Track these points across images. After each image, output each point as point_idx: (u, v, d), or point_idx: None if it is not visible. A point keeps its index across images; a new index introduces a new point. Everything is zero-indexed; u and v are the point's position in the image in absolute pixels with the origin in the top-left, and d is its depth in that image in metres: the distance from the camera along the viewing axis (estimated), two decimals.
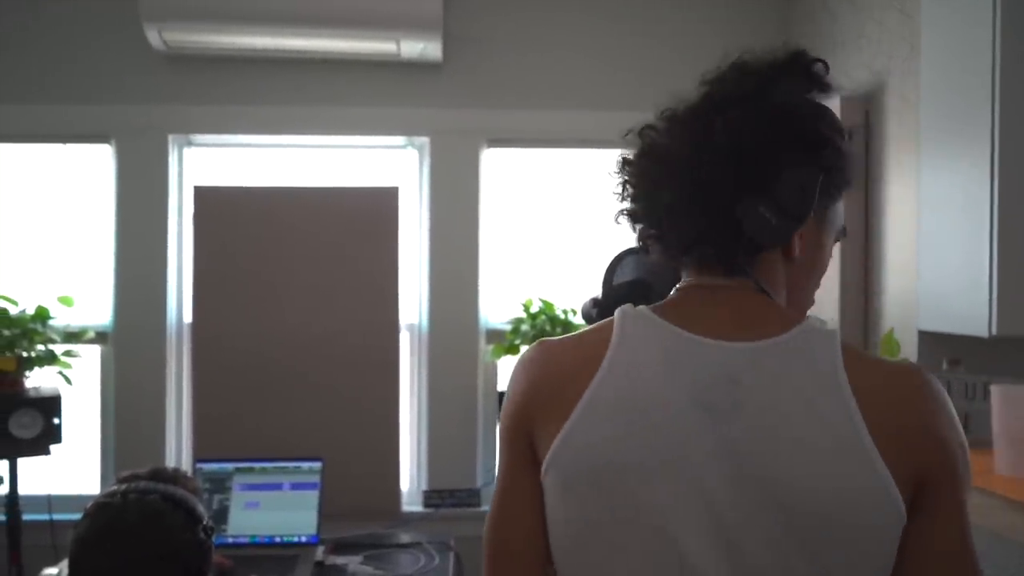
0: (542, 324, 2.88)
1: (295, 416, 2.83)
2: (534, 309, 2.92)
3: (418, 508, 2.97)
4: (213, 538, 1.43)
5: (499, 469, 0.93)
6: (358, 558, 2.25)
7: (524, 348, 2.83)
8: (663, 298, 1.58)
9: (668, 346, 0.86)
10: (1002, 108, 1.96)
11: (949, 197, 2.14)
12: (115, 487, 1.41)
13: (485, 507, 2.97)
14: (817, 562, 0.79)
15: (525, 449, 0.90)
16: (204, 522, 1.40)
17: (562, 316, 2.91)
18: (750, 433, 0.81)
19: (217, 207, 2.89)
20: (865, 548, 0.80)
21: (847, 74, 2.72)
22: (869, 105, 2.57)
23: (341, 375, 2.87)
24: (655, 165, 0.91)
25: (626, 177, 0.95)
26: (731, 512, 0.80)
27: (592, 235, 3.13)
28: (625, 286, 1.64)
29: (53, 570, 2.25)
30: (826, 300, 2.64)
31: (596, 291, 1.73)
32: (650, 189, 0.92)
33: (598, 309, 1.68)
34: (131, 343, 2.95)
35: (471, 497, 2.98)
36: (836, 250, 2.72)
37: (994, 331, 1.96)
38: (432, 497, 2.97)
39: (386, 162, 3.15)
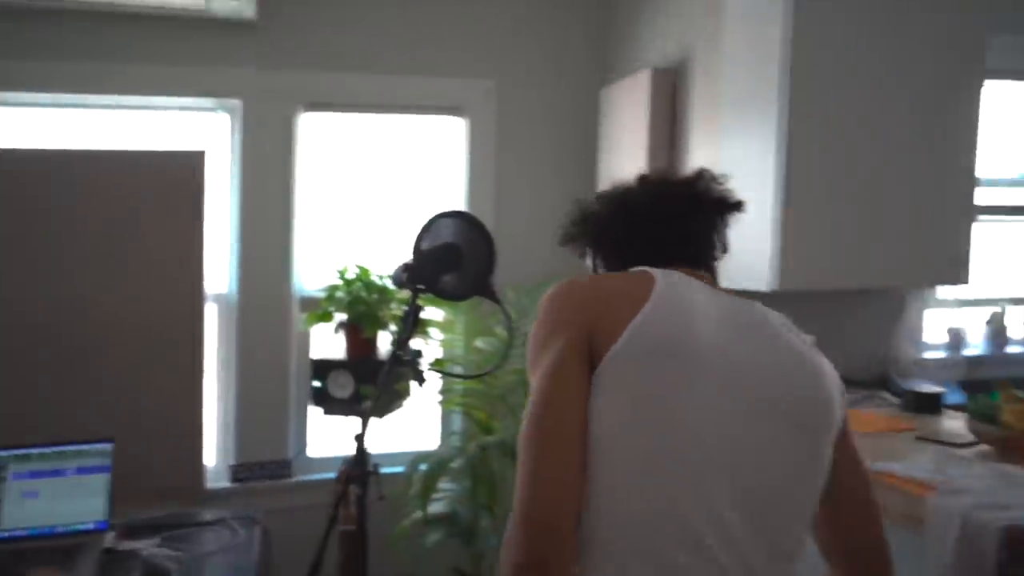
0: (358, 291, 2.80)
1: (83, 395, 2.60)
2: (350, 276, 2.84)
3: (226, 484, 2.85)
4: None
5: (549, 363, 1.09)
6: (154, 540, 2.10)
7: (339, 316, 2.80)
8: (474, 264, 1.60)
9: (695, 285, 1.18)
10: (792, 85, 2.11)
11: (744, 165, 2.29)
12: None
13: (297, 478, 2.92)
14: (803, 434, 1.14)
15: (581, 344, 1.09)
16: None
17: (379, 282, 2.84)
18: (760, 349, 1.15)
19: (7, 170, 2.57)
20: (827, 438, 1.16)
21: (657, 46, 2.83)
22: (676, 77, 2.68)
23: (138, 349, 2.66)
24: (658, 210, 1.30)
25: (628, 213, 1.30)
26: (751, 398, 1.11)
27: (408, 201, 3.08)
28: (438, 250, 1.63)
29: None
30: None
31: (408, 257, 1.69)
32: (641, 222, 1.29)
33: (408, 274, 1.65)
34: None
35: (282, 469, 2.90)
36: None
37: (775, 286, 2.13)
38: (240, 471, 2.85)
39: (196, 126, 2.93)
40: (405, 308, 1.66)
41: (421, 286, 1.64)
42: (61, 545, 2.03)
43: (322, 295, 2.82)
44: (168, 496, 2.52)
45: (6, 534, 2.03)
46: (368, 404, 2.57)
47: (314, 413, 2.87)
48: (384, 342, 2.83)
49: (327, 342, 2.90)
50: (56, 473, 2.12)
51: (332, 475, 2.75)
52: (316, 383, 2.71)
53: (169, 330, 2.69)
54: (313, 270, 3.02)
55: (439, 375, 2.79)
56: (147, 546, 2.03)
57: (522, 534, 1.00)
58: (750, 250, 2.24)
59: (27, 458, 2.11)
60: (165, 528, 2.22)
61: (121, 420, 2.46)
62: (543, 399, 1.07)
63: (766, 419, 1.11)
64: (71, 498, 2.12)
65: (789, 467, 1.12)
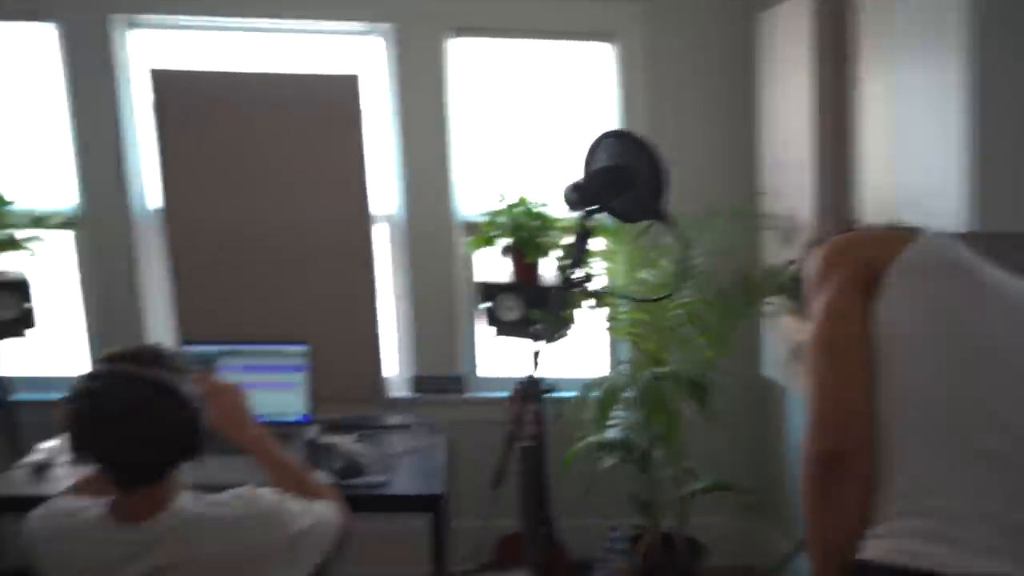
0: (519, 217, 2.92)
1: (277, 302, 2.92)
2: (510, 201, 2.96)
3: (404, 394, 3.10)
4: (201, 416, 1.47)
5: (829, 291, 1.29)
6: (351, 437, 2.36)
7: (502, 241, 2.95)
8: (646, 186, 1.68)
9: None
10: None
11: (924, 93, 2.17)
12: (100, 368, 1.44)
13: (470, 393, 3.12)
14: None
15: (859, 272, 1.28)
16: (190, 403, 1.45)
17: (536, 210, 2.95)
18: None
19: (176, 91, 2.88)
20: None
21: None
22: None
23: (318, 263, 2.94)
24: None
25: None
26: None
27: (561, 129, 3.15)
28: (609, 171, 1.70)
29: (47, 444, 2.36)
30: (804, 196, 2.72)
31: (578, 176, 1.78)
32: None
33: (579, 194, 1.73)
34: (99, 228, 3.00)
35: (457, 383, 3.10)
36: (814, 146, 2.72)
37: (970, 226, 1.99)
38: (419, 383, 3.08)
39: (354, 49, 3.11)
40: (576, 231, 1.74)
41: (592, 207, 1.72)
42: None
43: (484, 220, 2.96)
44: (354, 401, 2.82)
45: None
46: (539, 327, 2.74)
47: (485, 333, 3.05)
48: (546, 268, 2.96)
49: (494, 265, 3.06)
50: (261, 369, 2.43)
51: (502, 394, 2.97)
52: (485, 305, 2.88)
53: (342, 247, 2.95)
54: (473, 196, 3.14)
55: (613, 298, 2.86)
56: (344, 441, 2.30)
57: (817, 433, 1.21)
58: (935, 185, 2.12)
59: (236, 354, 2.42)
60: (358, 428, 2.50)
61: (310, 328, 2.74)
62: (826, 318, 1.28)
63: None
64: (275, 393, 2.42)
65: None
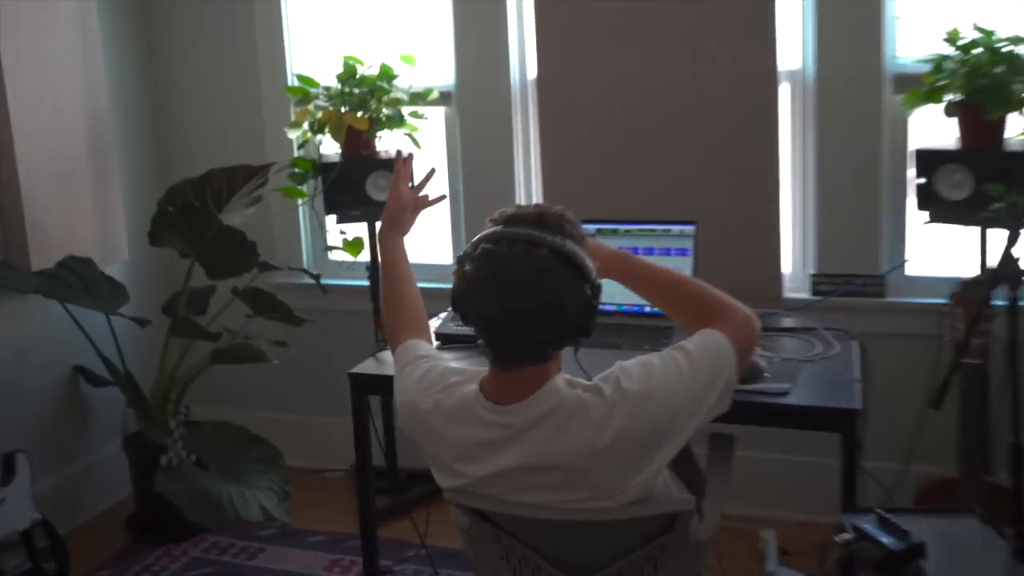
0: (978, 60, 2.31)
1: (657, 178, 2.72)
2: (963, 41, 2.35)
3: (804, 295, 2.74)
4: (599, 296, 1.41)
5: None
6: None
7: (949, 96, 2.32)
8: None
9: None
10: None
11: None
12: (500, 231, 1.38)
13: (890, 299, 2.66)
14: None
15: None
16: (591, 280, 1.39)
17: (1005, 49, 2.30)
18: None
19: None
20: None
21: None
22: None
23: (708, 134, 2.67)
24: None
25: None
26: None
27: None
28: None
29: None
30: None
31: None
32: None
33: None
34: (474, 103, 2.98)
35: (874, 285, 2.65)
36: None
37: None
38: (822, 282, 2.71)
39: None
40: None
41: None
42: (647, 325, 2.17)
43: (926, 69, 2.40)
44: (743, 299, 2.45)
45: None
46: (999, 208, 2.22)
47: (916, 219, 2.56)
48: (1015, 127, 2.35)
49: (933, 129, 2.52)
50: (646, 252, 2.23)
51: (937, 300, 2.47)
52: (920, 181, 2.38)
53: (739, 112, 2.64)
54: (913, 37, 2.60)
55: None
56: None
57: None
58: None
59: (614, 233, 2.27)
60: None
61: (699, 208, 2.48)
62: None
63: None
64: None
65: None
